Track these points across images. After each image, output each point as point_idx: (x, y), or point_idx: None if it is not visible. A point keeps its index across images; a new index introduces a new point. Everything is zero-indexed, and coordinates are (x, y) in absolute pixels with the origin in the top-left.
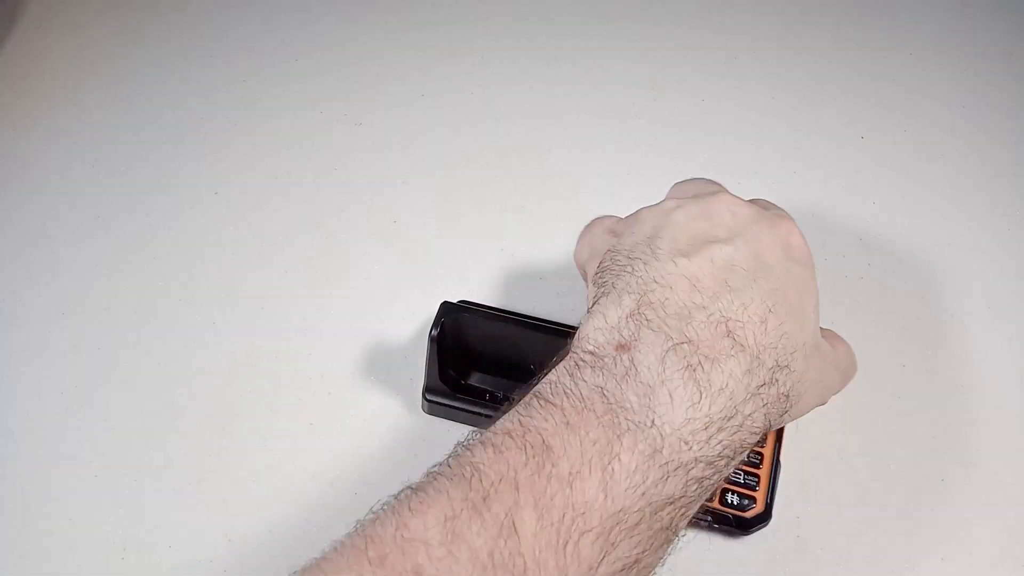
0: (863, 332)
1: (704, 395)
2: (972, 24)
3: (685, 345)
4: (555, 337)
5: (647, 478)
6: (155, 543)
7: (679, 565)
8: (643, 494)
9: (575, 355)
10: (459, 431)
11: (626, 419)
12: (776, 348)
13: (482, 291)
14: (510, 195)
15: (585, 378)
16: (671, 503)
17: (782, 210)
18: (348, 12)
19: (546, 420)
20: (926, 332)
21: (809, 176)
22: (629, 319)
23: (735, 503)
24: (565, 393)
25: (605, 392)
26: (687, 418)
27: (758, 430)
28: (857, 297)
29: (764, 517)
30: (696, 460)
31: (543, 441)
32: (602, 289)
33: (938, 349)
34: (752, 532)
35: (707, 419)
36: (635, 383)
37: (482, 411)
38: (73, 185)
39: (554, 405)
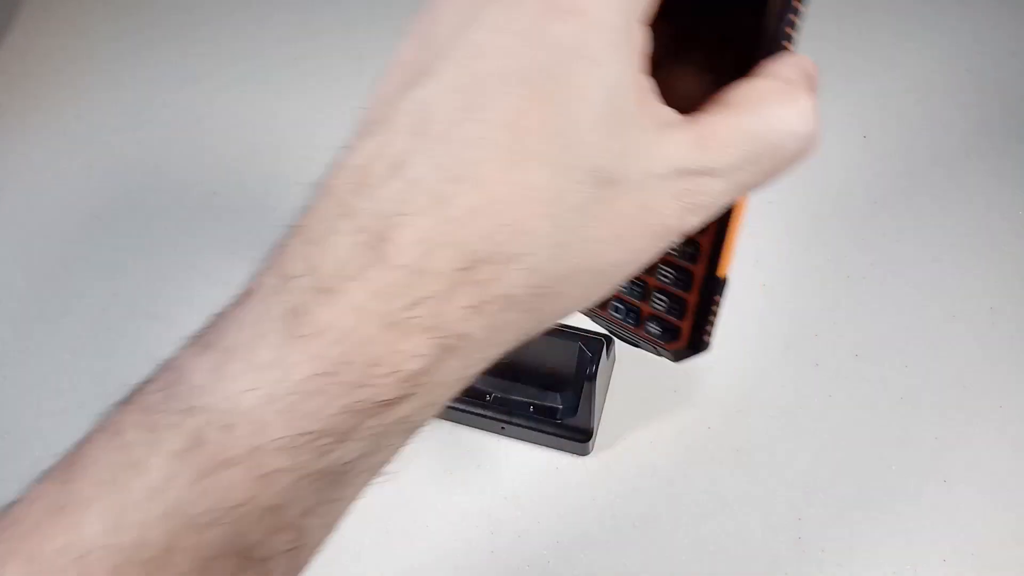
0: (864, 332)
1: (295, 344)
2: (973, 24)
3: (302, 280)
4: (555, 338)
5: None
6: None
7: (679, 569)
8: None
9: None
10: (459, 432)
11: (173, 407)
12: (466, 234)
13: None
14: None
15: (184, 355)
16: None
17: None
18: (348, 12)
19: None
20: (928, 332)
21: (810, 176)
22: (271, 259)
23: (655, 332)
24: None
25: (172, 366)
26: (252, 384)
27: (423, 362)
28: (859, 297)
29: (694, 350)
30: (277, 443)
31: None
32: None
33: (940, 349)
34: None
35: (292, 383)
36: (213, 352)
37: (483, 412)
38: (72, 185)
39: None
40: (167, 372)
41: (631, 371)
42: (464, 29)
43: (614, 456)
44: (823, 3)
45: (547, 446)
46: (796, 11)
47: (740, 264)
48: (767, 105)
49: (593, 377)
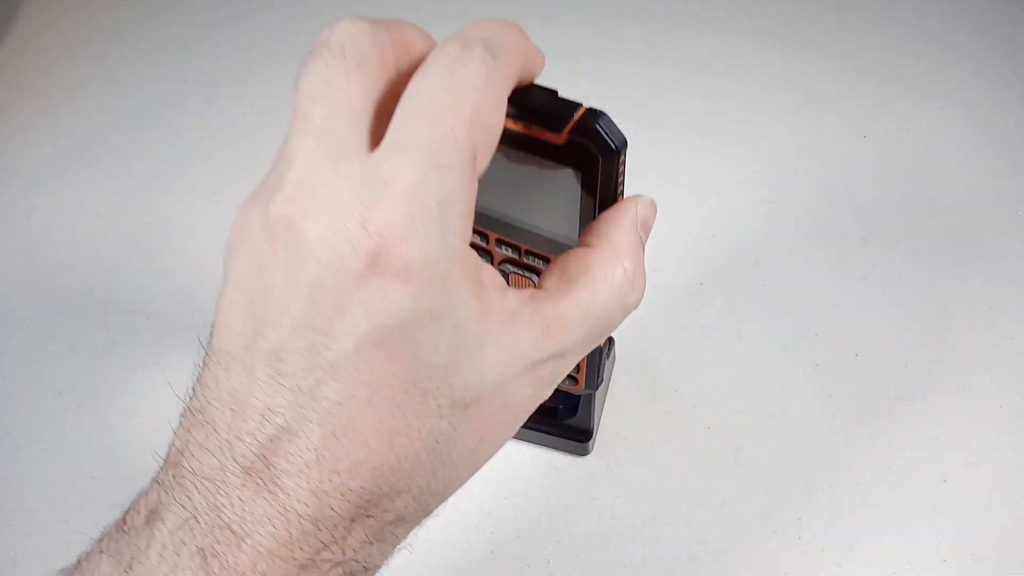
0: (864, 332)
1: None
2: (975, 23)
3: (208, 515)
4: None
5: None
6: None
7: (679, 569)
8: None
9: (119, 519)
10: None
11: None
12: (352, 489)
13: None
14: None
15: (98, 565)
16: None
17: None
18: (348, 12)
19: None
20: (928, 332)
21: (811, 176)
22: (172, 467)
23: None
24: None
25: None
26: None
27: None
28: (859, 297)
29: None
30: None
31: None
32: (195, 371)
33: (939, 349)
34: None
35: None
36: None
37: None
38: (72, 184)
39: None
40: None
41: (631, 372)
42: (294, 290)
43: (614, 457)
44: (823, 4)
45: (547, 446)
46: (623, 171)
47: (740, 264)
48: (599, 282)
49: (597, 385)
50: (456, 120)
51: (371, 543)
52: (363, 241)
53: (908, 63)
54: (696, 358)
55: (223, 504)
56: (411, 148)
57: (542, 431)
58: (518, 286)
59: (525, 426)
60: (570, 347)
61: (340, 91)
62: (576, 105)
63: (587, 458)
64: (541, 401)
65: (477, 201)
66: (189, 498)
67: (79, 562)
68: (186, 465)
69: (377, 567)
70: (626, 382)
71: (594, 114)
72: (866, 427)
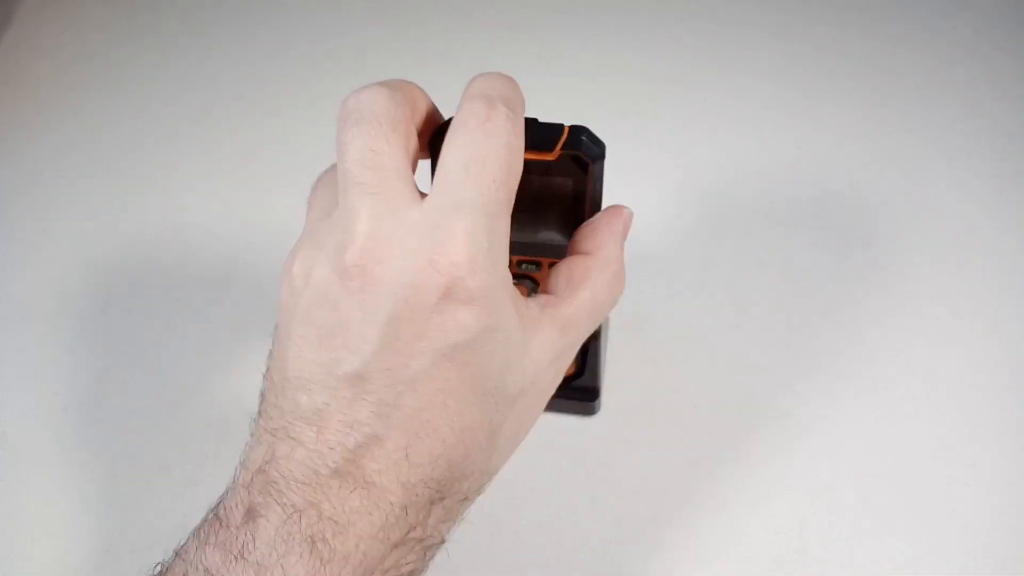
0: (865, 332)
1: (325, 567)
2: (977, 22)
3: (309, 511)
4: None
5: None
6: (152, 545)
7: (678, 568)
8: None
9: (213, 517)
10: None
11: None
12: (433, 477)
13: None
14: None
15: (206, 555)
16: None
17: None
18: (349, 11)
19: None
20: (929, 332)
21: (811, 176)
22: (258, 475)
23: None
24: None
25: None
26: None
27: (415, 561)
28: (858, 297)
29: (578, 376)
30: None
31: None
32: (264, 397)
33: (941, 350)
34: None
35: None
36: (247, 564)
37: None
38: (71, 184)
39: None
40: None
41: (630, 373)
42: (372, 323)
43: (613, 460)
44: (822, 4)
45: (556, 411)
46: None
47: (741, 265)
48: (598, 285)
49: (597, 335)
50: (496, 173)
51: (445, 520)
52: (435, 278)
53: (910, 62)
54: (696, 358)
55: (321, 501)
56: (463, 201)
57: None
58: None
59: None
60: (579, 338)
61: (385, 155)
62: (559, 126)
63: (578, 464)
64: (559, 382)
65: None
66: (287, 498)
67: (176, 556)
68: (274, 473)
69: (446, 540)
70: (625, 383)
71: (577, 129)
72: (867, 428)
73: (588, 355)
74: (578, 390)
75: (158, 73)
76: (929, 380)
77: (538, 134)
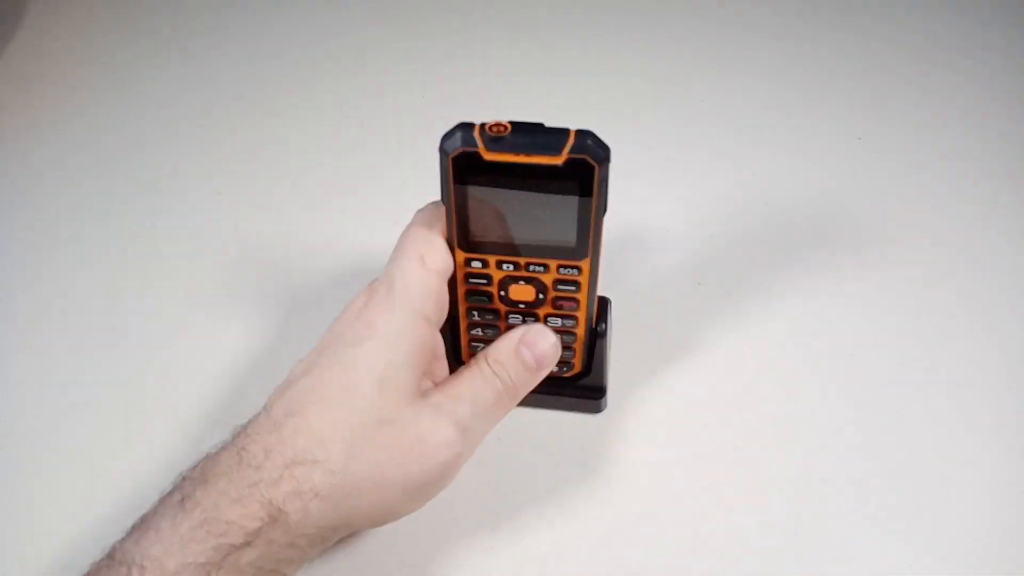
0: (862, 332)
1: (181, 514)
2: (972, 24)
3: (195, 476)
4: None
5: None
6: None
7: (677, 568)
8: None
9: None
10: None
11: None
12: (288, 447)
13: None
14: None
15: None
16: None
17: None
18: (349, 12)
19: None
20: (925, 331)
21: (807, 177)
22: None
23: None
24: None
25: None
26: (158, 540)
27: (259, 523)
28: (856, 296)
29: (583, 376)
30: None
31: None
32: None
33: (938, 349)
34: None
35: (180, 534)
36: (134, 530)
37: None
38: (74, 184)
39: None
40: (108, 551)
41: (627, 373)
42: (319, 343)
43: (612, 460)
44: (819, 4)
45: (562, 409)
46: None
47: (739, 265)
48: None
49: (604, 334)
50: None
51: (291, 496)
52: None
53: (905, 64)
54: (694, 359)
55: (207, 468)
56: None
57: (560, 394)
58: (521, 296)
59: (541, 392)
60: (468, 411)
61: None
62: (564, 130)
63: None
64: (462, 444)
65: (479, 236)
66: (188, 472)
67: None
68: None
69: (294, 537)
70: (622, 384)
71: (583, 133)
72: (864, 427)
73: (595, 353)
74: (585, 388)
75: (165, 75)
76: (925, 380)
77: (545, 138)
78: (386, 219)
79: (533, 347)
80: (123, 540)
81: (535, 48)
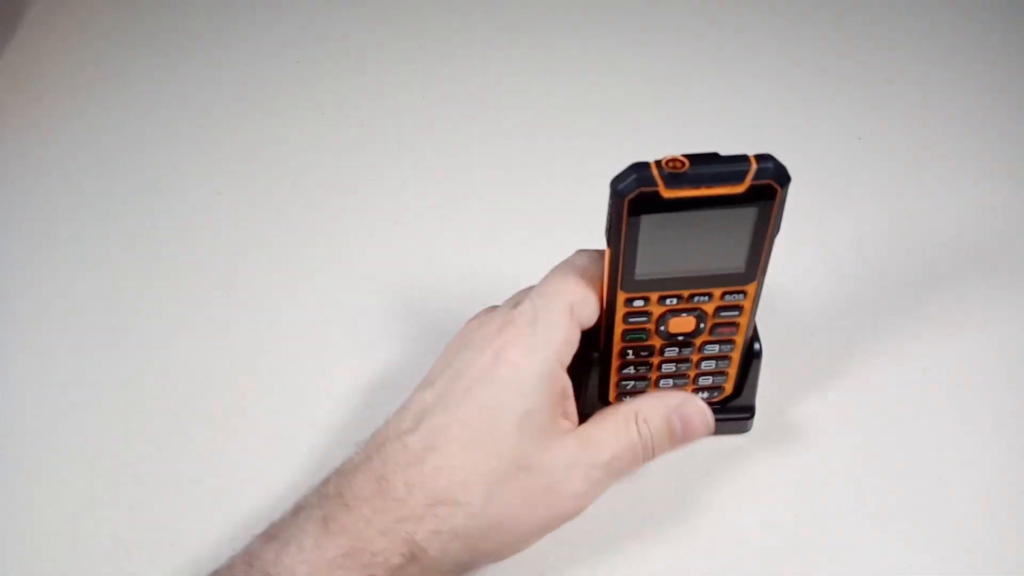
0: (861, 331)
1: (326, 536)
2: (972, 24)
3: (335, 499)
4: None
5: None
6: (156, 542)
7: (676, 568)
8: None
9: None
10: None
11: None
12: (430, 485)
13: (486, 295)
14: (510, 197)
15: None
16: None
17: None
18: (349, 13)
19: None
20: (924, 331)
21: (807, 176)
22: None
23: (705, 396)
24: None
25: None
26: (303, 560)
27: (401, 559)
28: (855, 296)
29: (733, 398)
30: None
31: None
32: None
33: (937, 348)
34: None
35: (325, 561)
36: (275, 540)
37: None
38: (74, 185)
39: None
40: (243, 556)
41: None
42: (447, 367)
43: None
44: (818, 4)
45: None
46: None
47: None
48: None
49: (760, 353)
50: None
51: (432, 535)
52: (484, 364)
53: (905, 64)
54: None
55: (344, 490)
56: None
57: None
58: (680, 328)
59: None
60: (601, 459)
61: None
62: (744, 157)
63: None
64: (586, 501)
65: (644, 275)
66: (323, 490)
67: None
68: (330, 476)
69: (427, 574)
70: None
71: (763, 158)
72: (864, 426)
73: (749, 375)
74: (735, 409)
75: (165, 76)
76: (924, 380)
77: (726, 168)
78: (386, 219)
79: (687, 423)
80: (260, 548)
81: (535, 48)
